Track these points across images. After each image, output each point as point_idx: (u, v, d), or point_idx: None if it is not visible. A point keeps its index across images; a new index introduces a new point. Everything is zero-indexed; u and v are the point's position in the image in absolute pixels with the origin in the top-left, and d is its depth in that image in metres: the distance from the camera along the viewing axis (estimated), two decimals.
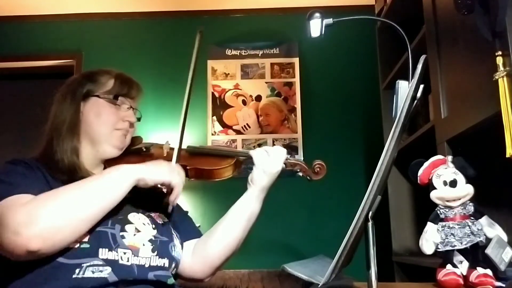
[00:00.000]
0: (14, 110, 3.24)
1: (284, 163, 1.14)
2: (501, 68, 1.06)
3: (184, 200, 2.80)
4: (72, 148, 1.02)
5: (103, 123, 1.06)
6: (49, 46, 3.15)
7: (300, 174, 1.15)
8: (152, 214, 1.06)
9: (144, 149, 1.15)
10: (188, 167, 1.09)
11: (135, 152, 1.13)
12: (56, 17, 3.18)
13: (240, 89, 3.07)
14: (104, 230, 0.91)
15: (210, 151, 1.19)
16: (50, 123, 1.07)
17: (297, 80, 3.07)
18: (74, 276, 0.86)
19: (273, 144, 2.95)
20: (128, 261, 0.91)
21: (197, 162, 1.11)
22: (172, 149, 1.09)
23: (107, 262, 0.89)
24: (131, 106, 1.11)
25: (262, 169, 1.09)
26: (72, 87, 1.09)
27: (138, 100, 1.14)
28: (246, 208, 1.10)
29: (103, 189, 0.90)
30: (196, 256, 1.10)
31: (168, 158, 1.06)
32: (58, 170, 0.99)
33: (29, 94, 3.25)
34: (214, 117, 3.02)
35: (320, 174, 1.14)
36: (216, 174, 1.11)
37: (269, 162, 1.09)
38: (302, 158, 2.92)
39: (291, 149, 2.94)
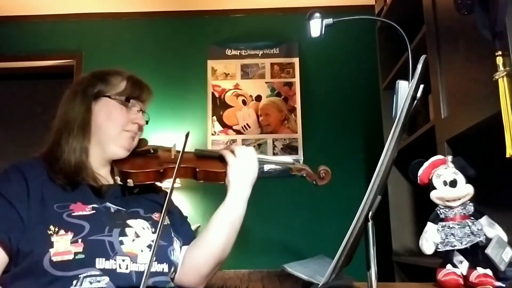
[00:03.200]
0: (14, 110, 3.24)
1: (291, 168, 1.15)
2: (501, 68, 1.05)
3: (184, 200, 2.80)
4: (82, 148, 1.01)
5: (112, 124, 1.05)
6: (49, 46, 3.15)
7: (306, 179, 1.17)
8: (154, 215, 1.05)
9: (152, 151, 1.15)
10: (197, 170, 1.10)
11: (142, 153, 1.13)
12: (56, 17, 3.19)
13: (240, 89, 3.07)
14: (100, 238, 0.90)
15: (214, 154, 1.18)
16: (59, 121, 1.06)
17: (297, 80, 3.07)
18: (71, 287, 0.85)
19: (273, 144, 2.95)
20: (126, 268, 0.91)
21: (205, 165, 1.12)
22: (179, 152, 1.08)
23: (104, 271, 0.88)
24: (141, 109, 1.10)
25: (237, 168, 1.08)
26: (82, 86, 1.08)
27: (147, 104, 1.14)
28: (228, 213, 1.07)
29: None
30: (184, 264, 1.08)
31: (175, 160, 1.06)
32: (60, 172, 0.98)
33: (29, 94, 3.25)
34: (214, 117, 3.02)
35: (326, 180, 1.16)
36: (225, 176, 1.11)
37: (244, 161, 1.09)
38: (302, 158, 2.92)
39: (291, 149, 2.95)
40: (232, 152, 1.11)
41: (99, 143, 1.05)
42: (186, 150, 1.07)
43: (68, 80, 1.17)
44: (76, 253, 0.87)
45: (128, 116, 1.07)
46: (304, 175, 1.16)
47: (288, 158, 1.20)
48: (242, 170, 1.08)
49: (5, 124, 3.23)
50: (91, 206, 0.96)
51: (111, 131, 1.05)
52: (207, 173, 1.11)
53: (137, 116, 1.09)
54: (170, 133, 2.81)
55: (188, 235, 1.14)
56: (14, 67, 3.21)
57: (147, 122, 1.13)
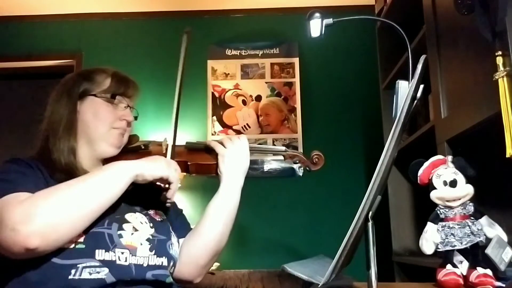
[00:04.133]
0: (14, 110, 3.24)
1: (283, 155, 1.17)
2: (501, 68, 1.06)
3: (184, 200, 2.80)
4: (69, 148, 1.01)
5: (100, 122, 1.05)
6: (49, 46, 3.15)
7: (300, 165, 1.17)
8: (150, 212, 1.05)
9: (143, 147, 1.15)
10: (189, 163, 1.11)
11: (133, 150, 1.13)
12: (56, 17, 3.18)
13: (240, 89, 3.07)
14: (100, 230, 0.91)
15: (205, 147, 1.18)
16: (46, 123, 1.06)
17: (297, 80, 3.07)
18: (70, 277, 0.85)
19: (274, 144, 2.95)
20: (126, 261, 0.91)
21: (197, 158, 1.12)
22: (170, 145, 1.09)
23: (104, 263, 0.88)
24: (128, 105, 1.10)
25: (228, 159, 1.09)
26: (67, 86, 1.08)
27: (135, 99, 1.13)
28: (223, 203, 1.09)
29: (102, 185, 0.90)
30: (182, 256, 1.08)
31: (167, 154, 1.07)
32: (56, 170, 0.98)
33: (29, 94, 3.24)
34: (214, 117, 3.02)
35: (319, 165, 1.17)
36: (217, 168, 1.11)
37: (235, 151, 1.10)
38: None
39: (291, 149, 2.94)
40: (222, 143, 1.12)
41: (88, 142, 1.05)
42: (177, 144, 1.09)
43: None
44: (76, 243, 0.88)
45: (116, 113, 1.07)
46: (297, 161, 1.17)
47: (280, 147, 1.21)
48: (233, 160, 1.10)
49: (5, 124, 3.23)
50: None
51: (100, 130, 1.05)
52: (199, 166, 1.11)
53: (124, 113, 1.08)
54: (169, 133, 2.81)
55: (183, 228, 1.14)
56: (14, 67, 3.20)
57: (136, 118, 1.13)
